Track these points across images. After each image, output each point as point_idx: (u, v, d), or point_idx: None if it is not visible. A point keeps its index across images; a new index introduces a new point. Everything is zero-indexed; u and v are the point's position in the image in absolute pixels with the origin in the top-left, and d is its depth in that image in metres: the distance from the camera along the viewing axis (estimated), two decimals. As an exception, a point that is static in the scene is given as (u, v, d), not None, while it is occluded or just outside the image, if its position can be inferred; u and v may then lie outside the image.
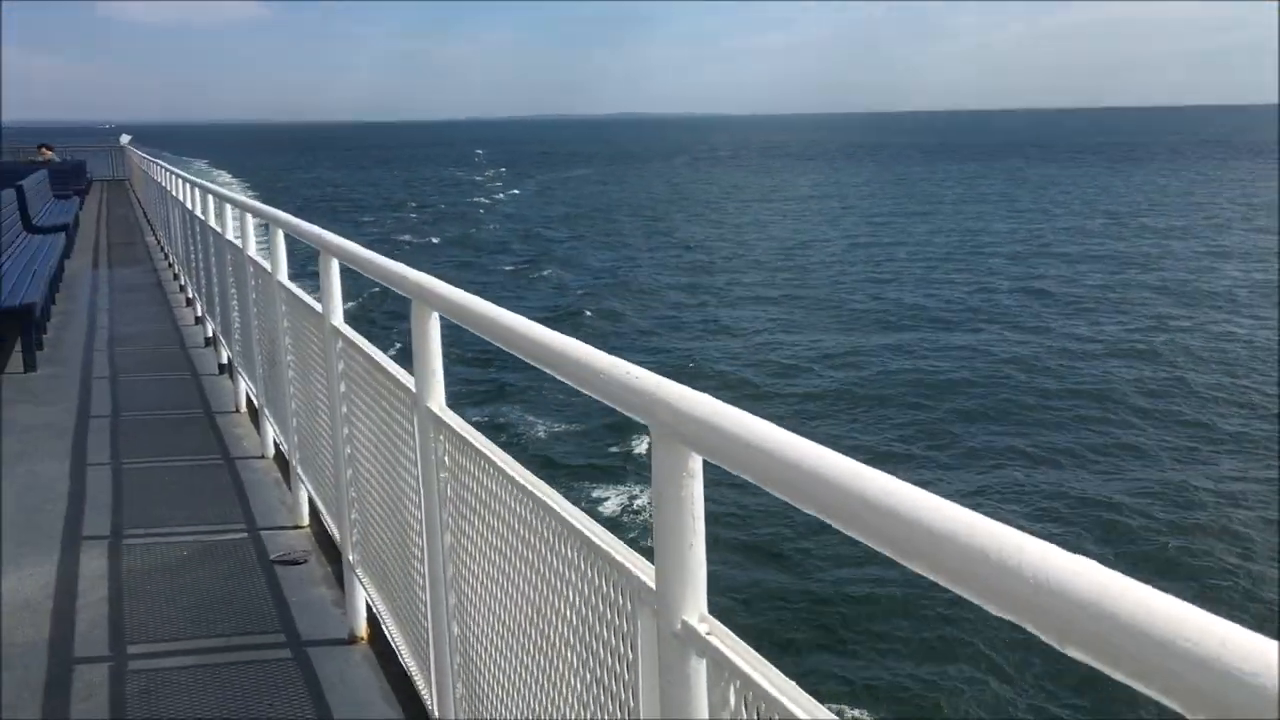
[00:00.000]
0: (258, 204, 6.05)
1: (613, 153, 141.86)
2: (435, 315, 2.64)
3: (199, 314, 10.57)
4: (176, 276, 13.59)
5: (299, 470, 5.11)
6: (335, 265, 3.91)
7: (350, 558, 3.97)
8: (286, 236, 4.99)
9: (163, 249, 16.96)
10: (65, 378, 8.19)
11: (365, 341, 3.55)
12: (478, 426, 2.51)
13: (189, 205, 11.05)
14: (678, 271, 34.63)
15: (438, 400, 2.69)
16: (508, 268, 36.29)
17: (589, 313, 27.18)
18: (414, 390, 2.80)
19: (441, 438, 2.63)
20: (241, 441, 6.56)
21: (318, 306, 4.12)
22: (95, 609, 4.22)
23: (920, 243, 41.64)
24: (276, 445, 6.05)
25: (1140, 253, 37.73)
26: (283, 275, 5.10)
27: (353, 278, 3.73)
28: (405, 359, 2.98)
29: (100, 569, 4.62)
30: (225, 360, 8.25)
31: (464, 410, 2.83)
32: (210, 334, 9.38)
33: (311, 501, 4.97)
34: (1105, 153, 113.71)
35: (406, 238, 44.59)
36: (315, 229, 4.15)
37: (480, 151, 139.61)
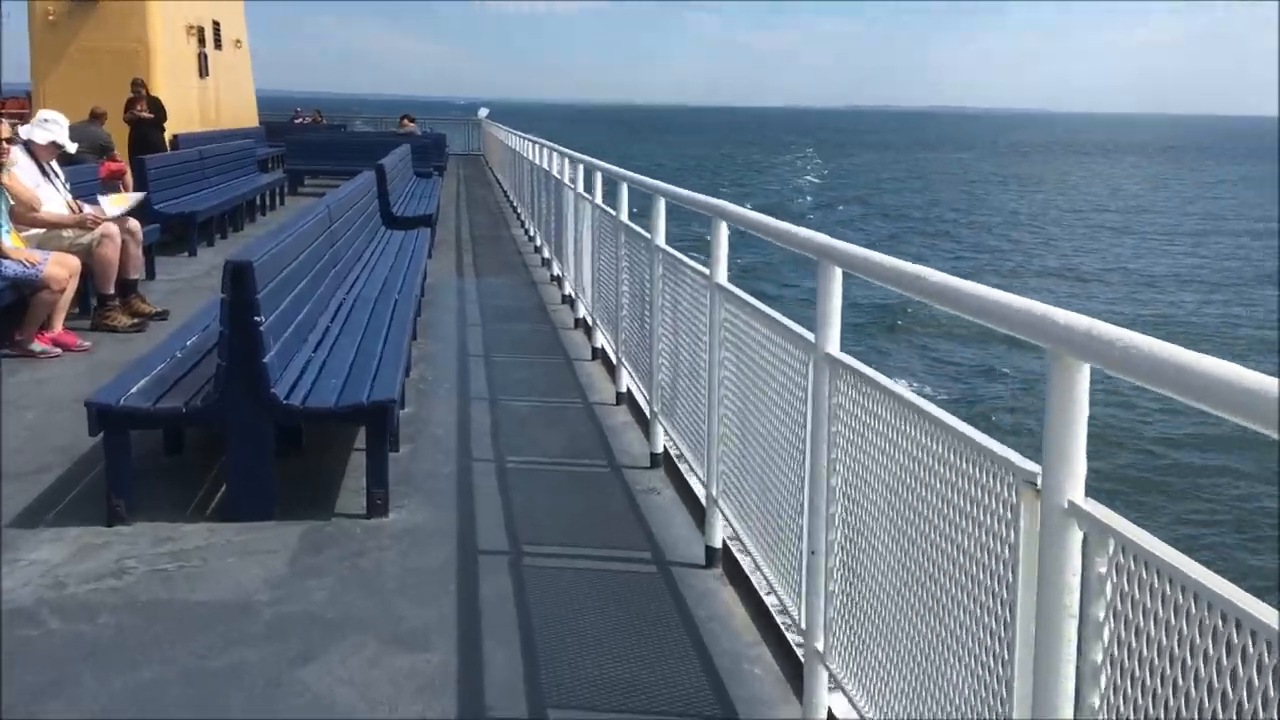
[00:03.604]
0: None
1: (913, 143, 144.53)
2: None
3: (622, 390, 6.81)
4: (567, 299, 10.03)
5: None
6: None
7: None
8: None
9: (535, 245, 13.67)
10: (431, 536, 4.50)
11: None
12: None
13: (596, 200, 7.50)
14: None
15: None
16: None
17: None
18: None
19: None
20: None
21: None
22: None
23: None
24: None
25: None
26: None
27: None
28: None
29: None
30: (704, 496, 4.36)
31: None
32: (649, 412, 5.61)
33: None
34: None
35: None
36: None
37: (792, 138, 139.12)
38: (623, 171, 6.78)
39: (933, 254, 35.50)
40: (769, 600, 3.86)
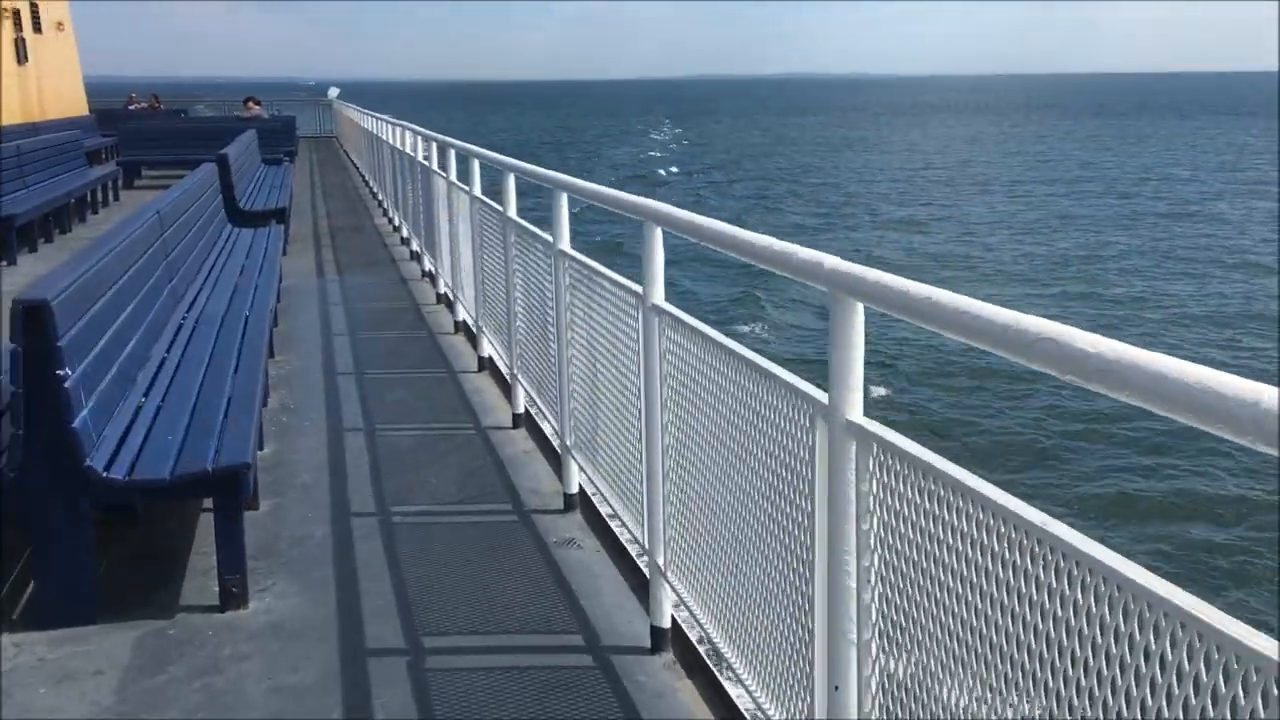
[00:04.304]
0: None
1: (759, 109, 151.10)
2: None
3: (520, 410, 5.92)
4: (443, 298, 9.05)
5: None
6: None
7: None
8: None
9: (402, 236, 12.60)
10: (304, 634, 3.57)
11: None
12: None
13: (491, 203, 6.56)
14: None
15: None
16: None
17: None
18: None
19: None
20: None
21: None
22: None
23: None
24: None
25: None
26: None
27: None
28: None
29: None
30: (645, 564, 3.51)
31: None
32: (559, 445, 4.71)
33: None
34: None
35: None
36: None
37: (651, 112, 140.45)
38: (509, 160, 5.81)
39: (785, 212, 37.13)
40: (743, 703, 3.08)
